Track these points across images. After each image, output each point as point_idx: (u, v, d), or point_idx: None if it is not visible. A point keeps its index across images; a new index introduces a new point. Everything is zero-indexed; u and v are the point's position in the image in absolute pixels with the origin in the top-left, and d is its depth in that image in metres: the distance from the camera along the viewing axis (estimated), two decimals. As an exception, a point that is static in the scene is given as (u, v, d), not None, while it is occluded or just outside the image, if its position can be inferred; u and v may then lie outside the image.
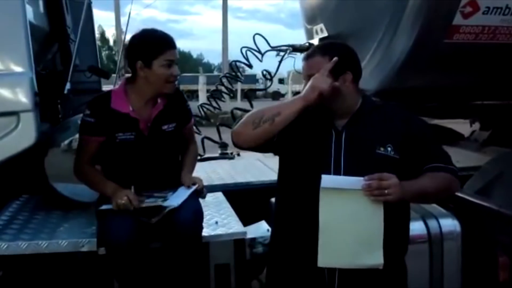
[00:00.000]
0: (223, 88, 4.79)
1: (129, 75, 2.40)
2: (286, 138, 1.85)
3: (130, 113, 2.28)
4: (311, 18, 4.22)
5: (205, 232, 2.37)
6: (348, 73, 1.83)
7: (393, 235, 1.75)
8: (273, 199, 2.80)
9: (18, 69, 2.15)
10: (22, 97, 2.13)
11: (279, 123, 1.75)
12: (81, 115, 2.89)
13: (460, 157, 3.40)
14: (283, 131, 1.82)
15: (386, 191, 1.64)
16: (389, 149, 1.79)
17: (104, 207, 2.22)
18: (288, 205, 1.86)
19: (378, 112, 1.89)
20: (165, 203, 2.21)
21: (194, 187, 2.36)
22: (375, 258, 1.70)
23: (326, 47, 1.89)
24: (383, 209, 1.68)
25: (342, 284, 1.78)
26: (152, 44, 2.25)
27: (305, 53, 1.93)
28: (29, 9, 2.80)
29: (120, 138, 2.29)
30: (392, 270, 1.81)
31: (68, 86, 2.98)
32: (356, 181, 1.67)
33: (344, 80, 1.82)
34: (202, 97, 18.42)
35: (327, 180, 1.68)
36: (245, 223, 2.57)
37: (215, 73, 46.50)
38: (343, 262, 1.73)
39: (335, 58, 1.77)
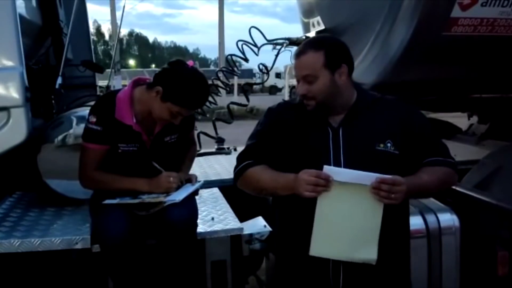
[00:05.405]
0: (219, 83, 4.75)
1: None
2: (282, 139, 1.82)
3: (133, 125, 2.24)
4: (308, 11, 4.18)
5: (202, 229, 2.35)
6: (344, 66, 1.78)
7: (393, 230, 1.73)
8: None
9: (8, 63, 2.12)
10: (12, 92, 2.10)
11: (276, 195, 1.87)
12: (75, 110, 2.89)
13: (458, 151, 3.38)
14: (278, 134, 1.82)
15: (393, 195, 1.62)
16: (388, 144, 1.76)
17: (107, 201, 2.20)
18: (289, 203, 1.81)
19: (376, 106, 1.86)
20: (167, 198, 2.21)
21: (198, 184, 2.38)
22: (369, 253, 1.67)
23: (317, 41, 1.83)
24: (383, 205, 1.65)
25: (347, 280, 1.75)
26: (182, 93, 2.17)
27: (295, 51, 1.83)
28: (21, 3, 2.76)
29: (123, 149, 2.27)
30: (395, 265, 1.81)
31: (59, 80, 2.93)
32: (365, 176, 1.63)
33: (340, 74, 1.78)
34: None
35: (335, 172, 1.64)
36: (242, 219, 2.54)
37: (212, 67, 46.40)
38: (335, 253, 1.70)
39: None
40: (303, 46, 1.81)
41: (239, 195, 2.41)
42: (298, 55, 1.79)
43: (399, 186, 1.62)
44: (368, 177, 1.62)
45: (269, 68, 4.60)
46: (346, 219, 1.67)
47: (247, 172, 1.85)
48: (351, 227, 1.67)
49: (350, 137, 1.77)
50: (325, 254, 1.71)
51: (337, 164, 1.73)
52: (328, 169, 1.64)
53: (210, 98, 4.71)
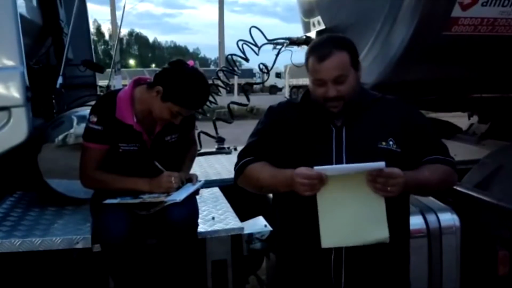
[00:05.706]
0: (219, 82, 4.75)
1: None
2: (285, 137, 1.82)
3: (134, 125, 2.25)
4: (308, 10, 4.18)
5: (202, 228, 2.35)
6: (360, 62, 1.81)
7: (393, 230, 1.73)
8: (270, 195, 2.79)
9: (9, 63, 2.12)
10: (13, 92, 2.10)
11: (276, 191, 1.90)
12: (75, 109, 2.89)
13: (458, 151, 3.38)
14: (279, 132, 1.83)
15: (389, 188, 1.62)
16: (390, 143, 1.77)
17: (108, 201, 2.20)
18: (289, 201, 1.81)
19: (376, 105, 1.86)
20: (168, 198, 2.21)
21: (199, 184, 2.38)
22: (381, 232, 1.65)
23: (338, 41, 1.80)
24: None
25: (348, 278, 1.75)
26: (182, 93, 2.17)
27: (316, 55, 1.75)
28: (21, 3, 2.76)
29: (123, 148, 2.27)
30: (394, 265, 1.82)
31: (60, 80, 2.94)
32: (356, 168, 1.62)
33: (360, 71, 1.80)
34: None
35: (326, 169, 1.63)
36: (242, 219, 2.54)
37: (212, 67, 46.39)
38: (347, 241, 1.69)
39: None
40: (325, 48, 1.75)
41: (240, 194, 2.43)
42: (322, 58, 1.73)
43: (395, 178, 1.61)
44: (360, 168, 1.62)
45: (269, 68, 4.60)
46: (349, 206, 1.66)
47: (247, 168, 1.85)
48: (356, 212, 1.66)
49: (353, 135, 1.77)
50: (337, 244, 1.71)
51: (339, 162, 1.73)
52: (318, 169, 1.63)
53: (211, 98, 4.72)
